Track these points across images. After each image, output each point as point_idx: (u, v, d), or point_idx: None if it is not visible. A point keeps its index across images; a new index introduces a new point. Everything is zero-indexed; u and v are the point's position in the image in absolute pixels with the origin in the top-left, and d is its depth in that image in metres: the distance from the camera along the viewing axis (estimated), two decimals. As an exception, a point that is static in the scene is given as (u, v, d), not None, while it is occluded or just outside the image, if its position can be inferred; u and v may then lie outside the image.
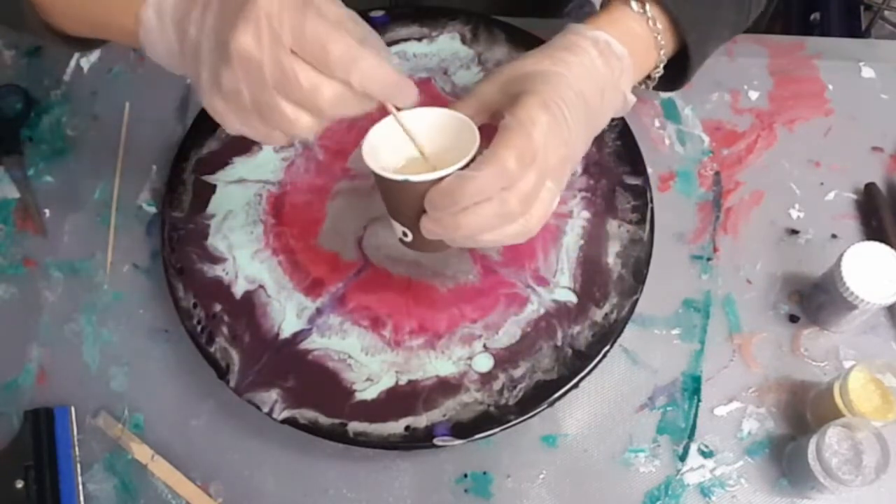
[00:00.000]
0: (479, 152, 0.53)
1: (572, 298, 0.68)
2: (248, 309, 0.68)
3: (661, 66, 0.64)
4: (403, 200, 0.56)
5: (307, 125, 0.50)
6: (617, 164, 0.73)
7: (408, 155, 0.58)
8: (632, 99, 0.62)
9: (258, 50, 0.47)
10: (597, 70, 0.59)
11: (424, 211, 0.55)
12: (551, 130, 0.54)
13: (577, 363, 0.66)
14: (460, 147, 0.55)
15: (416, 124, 0.57)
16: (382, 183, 0.56)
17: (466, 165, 0.53)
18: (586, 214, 0.71)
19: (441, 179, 0.53)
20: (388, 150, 0.57)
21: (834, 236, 0.73)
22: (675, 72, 0.66)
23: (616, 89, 0.60)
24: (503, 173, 0.52)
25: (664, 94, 0.79)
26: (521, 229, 0.55)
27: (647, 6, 0.62)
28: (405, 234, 0.59)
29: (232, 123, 0.52)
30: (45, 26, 0.58)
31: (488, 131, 0.55)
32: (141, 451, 0.67)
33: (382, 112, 0.54)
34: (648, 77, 0.65)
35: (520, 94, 0.55)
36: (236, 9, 0.48)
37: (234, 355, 0.67)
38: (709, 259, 0.73)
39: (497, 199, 0.53)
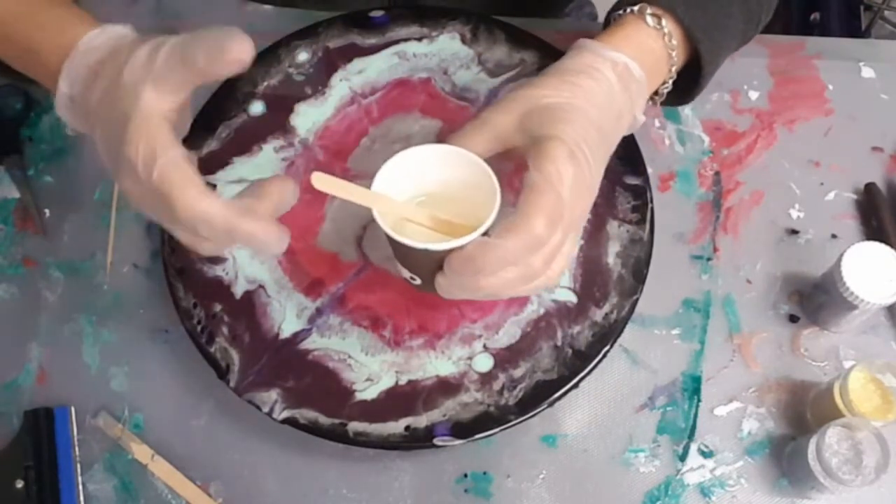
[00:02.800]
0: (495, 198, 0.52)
1: (572, 298, 0.68)
2: (248, 309, 0.68)
3: (671, 81, 0.62)
4: (419, 259, 0.54)
5: (206, 251, 0.54)
6: (617, 164, 0.73)
7: (420, 190, 0.56)
8: (641, 119, 0.60)
9: (141, 205, 0.52)
10: (615, 96, 0.56)
11: (439, 267, 0.53)
12: (577, 183, 0.51)
13: (577, 363, 0.66)
14: (473, 187, 0.53)
15: (426, 164, 0.55)
16: (396, 244, 0.54)
17: (489, 228, 0.51)
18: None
19: (462, 247, 0.51)
20: (399, 185, 0.55)
21: (834, 236, 0.73)
22: (682, 86, 0.64)
23: (630, 112, 0.58)
24: (532, 240, 0.50)
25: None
26: (542, 284, 0.53)
27: (664, 21, 0.59)
28: (413, 279, 0.58)
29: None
30: None
31: (497, 160, 0.54)
32: (141, 451, 0.67)
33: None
34: (656, 93, 0.63)
35: (542, 137, 0.52)
36: (117, 145, 0.51)
37: (234, 355, 0.67)
38: (709, 259, 0.73)
39: (522, 263, 0.51)
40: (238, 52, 0.48)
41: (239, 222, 0.50)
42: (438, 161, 0.55)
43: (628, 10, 0.60)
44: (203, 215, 0.49)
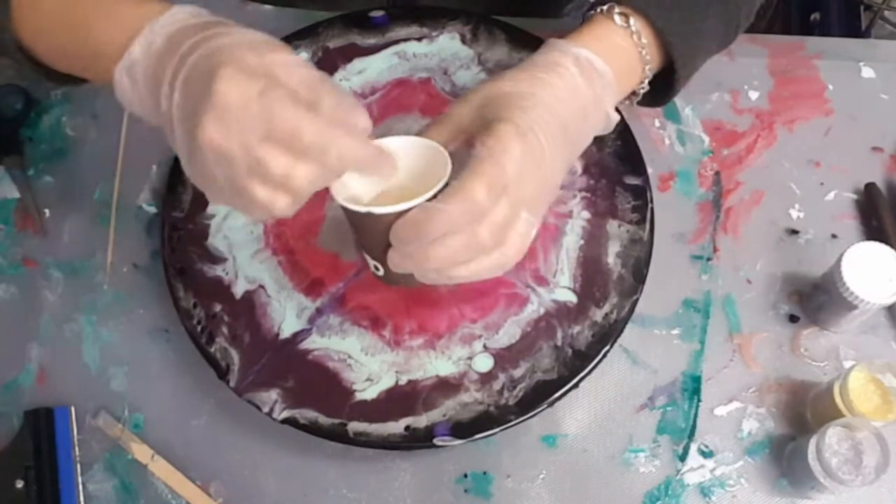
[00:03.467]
0: (449, 182, 0.52)
1: (572, 298, 0.68)
2: (248, 309, 0.68)
3: (647, 81, 0.62)
4: (371, 233, 0.55)
5: (283, 207, 0.50)
6: (617, 164, 0.73)
7: (385, 186, 0.56)
8: (615, 117, 0.60)
9: (226, 140, 0.47)
10: (578, 89, 0.57)
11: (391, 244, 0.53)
12: (526, 160, 0.52)
13: (577, 363, 0.66)
14: (433, 176, 0.54)
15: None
16: (349, 215, 0.55)
17: (434, 196, 0.51)
18: (586, 214, 0.71)
19: (407, 211, 0.51)
20: (363, 181, 0.56)
21: (834, 236, 0.73)
22: (661, 87, 0.64)
23: (599, 108, 0.59)
24: (471, 205, 0.50)
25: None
26: (496, 262, 0.53)
27: (632, 19, 0.60)
28: (377, 268, 0.58)
29: (212, 199, 0.52)
30: (28, 58, 0.58)
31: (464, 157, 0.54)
32: (141, 451, 0.67)
33: None
34: (633, 93, 0.63)
35: (493, 120, 0.53)
36: (201, 94, 0.47)
37: (234, 355, 0.67)
38: (709, 259, 0.73)
39: (467, 231, 0.51)
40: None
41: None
42: (400, 152, 0.55)
43: (598, 9, 0.61)
44: (333, 136, 0.49)
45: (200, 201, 0.72)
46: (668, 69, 0.63)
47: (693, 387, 0.68)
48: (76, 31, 0.56)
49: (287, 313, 0.68)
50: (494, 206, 0.51)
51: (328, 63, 0.77)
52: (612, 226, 0.71)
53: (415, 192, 0.52)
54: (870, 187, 0.74)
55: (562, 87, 0.56)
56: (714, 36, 0.65)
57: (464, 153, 0.55)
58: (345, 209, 0.54)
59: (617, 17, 0.60)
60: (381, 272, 0.58)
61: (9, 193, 0.76)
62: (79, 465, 0.67)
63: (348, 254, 0.70)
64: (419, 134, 0.58)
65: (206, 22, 0.53)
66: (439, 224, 0.50)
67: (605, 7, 0.61)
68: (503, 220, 0.52)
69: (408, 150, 0.57)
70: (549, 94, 0.55)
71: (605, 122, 0.60)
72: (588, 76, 0.57)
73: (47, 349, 0.71)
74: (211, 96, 0.47)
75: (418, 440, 0.64)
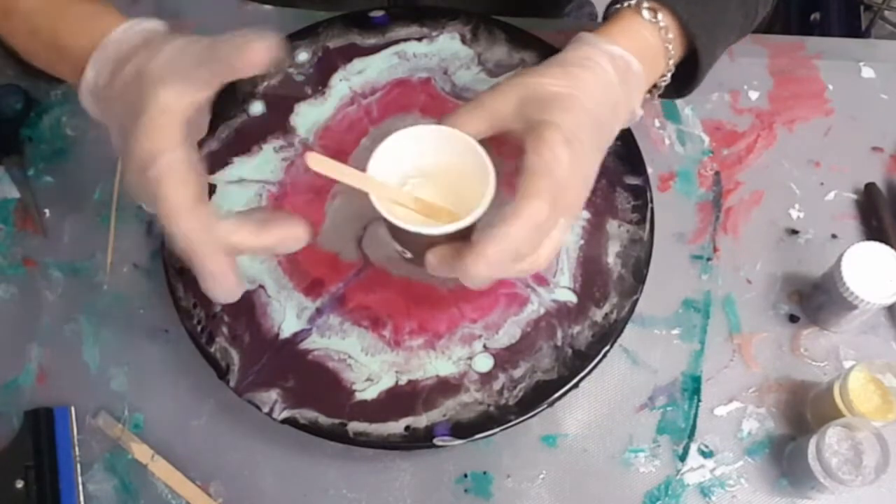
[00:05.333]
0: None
1: (572, 298, 0.68)
2: (248, 309, 0.68)
3: (669, 74, 0.63)
4: (412, 239, 0.55)
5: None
6: (617, 164, 0.73)
7: (415, 170, 0.56)
8: (639, 113, 0.60)
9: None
10: (611, 87, 0.57)
11: (430, 246, 0.53)
12: (573, 168, 0.52)
13: (577, 363, 0.66)
14: (465, 169, 0.54)
15: (421, 144, 0.55)
16: (390, 222, 0.54)
17: (479, 214, 0.51)
18: (586, 214, 0.71)
19: (457, 231, 0.51)
20: (394, 165, 0.55)
21: (834, 236, 0.73)
22: (679, 79, 0.64)
23: (628, 105, 0.59)
24: (537, 226, 0.50)
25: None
26: (527, 267, 0.53)
27: (660, 14, 0.60)
28: (404, 253, 0.58)
29: None
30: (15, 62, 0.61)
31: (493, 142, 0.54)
32: (141, 451, 0.67)
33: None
34: (654, 86, 0.64)
35: (539, 123, 0.53)
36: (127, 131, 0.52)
37: (234, 355, 0.67)
38: (709, 259, 0.73)
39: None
40: (259, 50, 0.49)
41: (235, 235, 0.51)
42: (434, 142, 0.55)
43: (625, 4, 0.61)
44: (178, 228, 0.50)
45: (200, 201, 0.72)
46: (687, 60, 0.63)
47: (693, 387, 0.68)
48: (39, 38, 0.59)
49: (287, 313, 0.68)
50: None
51: (328, 63, 0.77)
52: (612, 226, 0.71)
53: (449, 185, 0.53)
54: (870, 187, 0.74)
55: (596, 84, 0.56)
56: (734, 26, 0.65)
57: (505, 164, 0.55)
58: (387, 220, 0.54)
59: (645, 12, 0.60)
60: (408, 255, 0.58)
61: (9, 193, 0.76)
62: (79, 465, 0.67)
63: (348, 254, 0.70)
64: (445, 119, 0.58)
65: (144, 41, 0.55)
66: (506, 251, 0.50)
67: (632, 1, 0.61)
68: (547, 231, 0.52)
69: (447, 142, 0.56)
70: (586, 94, 0.55)
71: (631, 117, 0.60)
72: (622, 74, 0.57)
73: (47, 349, 0.71)
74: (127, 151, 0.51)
75: (418, 440, 0.64)
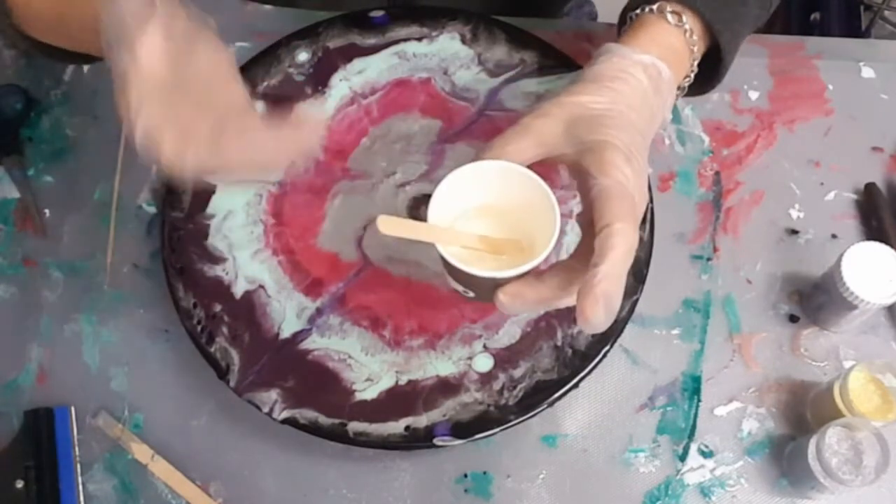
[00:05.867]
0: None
1: (572, 298, 0.68)
2: (248, 309, 0.68)
3: (693, 74, 0.62)
4: (480, 282, 0.53)
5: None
6: (617, 164, 0.73)
7: (472, 205, 0.55)
8: (668, 117, 0.60)
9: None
10: (649, 98, 0.57)
11: (498, 286, 0.52)
12: (636, 185, 0.52)
13: (577, 363, 0.66)
14: (523, 202, 0.53)
15: (478, 179, 0.54)
16: (455, 268, 0.52)
17: (548, 252, 0.51)
18: (586, 214, 0.71)
19: (524, 273, 0.50)
20: (455, 201, 0.54)
21: (834, 236, 0.73)
22: (701, 77, 0.64)
23: (662, 111, 0.59)
24: (631, 253, 0.49)
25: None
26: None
27: (685, 17, 0.59)
28: (466, 292, 0.56)
29: None
30: (24, 36, 0.59)
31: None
32: (141, 451, 0.67)
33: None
34: (679, 87, 0.63)
35: (595, 144, 0.52)
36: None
37: (234, 355, 0.67)
38: (709, 259, 0.73)
39: None
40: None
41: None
42: (492, 176, 0.54)
43: (647, 9, 0.60)
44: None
45: (200, 201, 0.72)
46: (709, 57, 0.63)
47: (693, 387, 0.68)
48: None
49: (287, 313, 0.68)
50: None
51: (328, 63, 0.77)
52: (612, 226, 0.71)
53: (507, 215, 0.53)
54: (870, 187, 0.74)
55: (635, 97, 0.56)
56: (752, 19, 0.65)
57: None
58: (451, 266, 0.52)
59: (670, 17, 0.59)
60: (471, 295, 0.56)
61: (9, 193, 0.76)
62: (79, 465, 0.67)
63: (348, 254, 0.70)
64: (494, 145, 0.55)
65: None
66: (619, 284, 0.49)
67: (654, 6, 0.60)
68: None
69: (501, 174, 0.54)
70: (627, 107, 0.55)
71: (663, 123, 0.60)
72: (654, 83, 0.57)
73: (47, 349, 0.71)
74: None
75: (418, 440, 0.64)
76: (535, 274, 0.52)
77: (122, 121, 0.49)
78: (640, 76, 0.57)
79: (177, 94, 0.49)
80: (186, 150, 0.48)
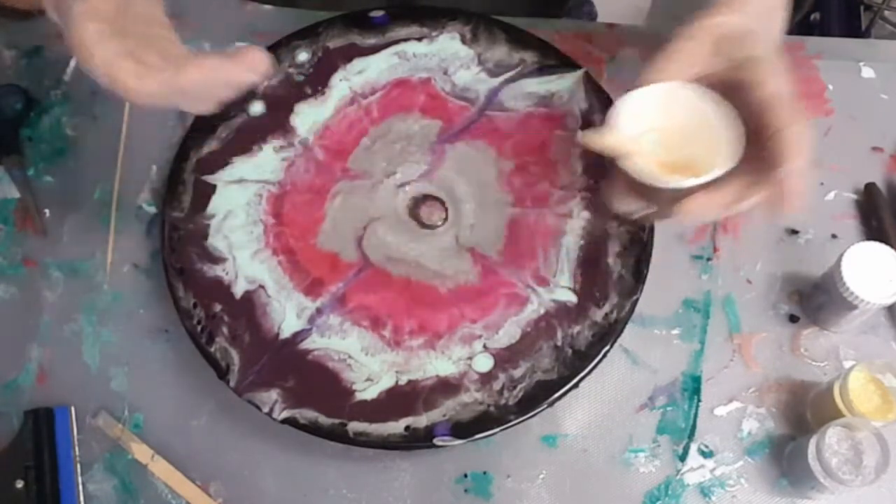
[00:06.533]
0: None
1: (572, 298, 0.68)
2: (248, 309, 0.68)
3: None
4: (663, 195, 0.56)
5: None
6: (617, 164, 0.73)
7: (647, 126, 0.56)
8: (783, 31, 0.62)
9: None
10: (774, 12, 0.61)
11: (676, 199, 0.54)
12: (790, 90, 0.56)
13: (577, 363, 0.66)
14: (699, 120, 0.56)
15: (662, 100, 0.56)
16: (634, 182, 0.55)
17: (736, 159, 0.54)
18: (586, 214, 0.71)
19: (707, 183, 0.53)
20: (631, 122, 0.56)
21: (834, 236, 0.73)
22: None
23: (780, 26, 0.62)
24: (811, 149, 0.53)
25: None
26: None
27: None
28: (645, 209, 0.58)
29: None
30: None
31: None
32: (141, 451, 0.67)
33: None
34: None
35: (748, 60, 0.56)
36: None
37: (234, 355, 0.67)
38: (709, 259, 0.73)
39: None
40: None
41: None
42: (665, 97, 0.56)
43: None
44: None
45: (200, 201, 0.72)
46: None
47: (693, 387, 0.68)
48: None
49: (287, 313, 0.68)
50: None
51: (328, 63, 0.77)
52: (612, 226, 0.71)
53: (674, 133, 0.55)
54: (870, 187, 0.74)
55: (764, 11, 0.59)
56: None
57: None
58: (635, 183, 0.55)
59: None
60: (649, 211, 0.58)
61: (9, 193, 0.76)
62: (79, 465, 0.67)
63: (348, 254, 0.70)
64: (648, 72, 0.57)
65: None
66: (805, 177, 0.53)
67: None
68: None
69: (682, 98, 0.57)
70: (764, 21, 0.59)
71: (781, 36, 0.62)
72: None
73: (47, 349, 0.71)
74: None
75: (418, 440, 0.64)
76: (713, 184, 0.54)
77: (77, 57, 0.53)
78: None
79: (126, 32, 0.53)
80: (147, 76, 0.52)
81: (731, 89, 0.57)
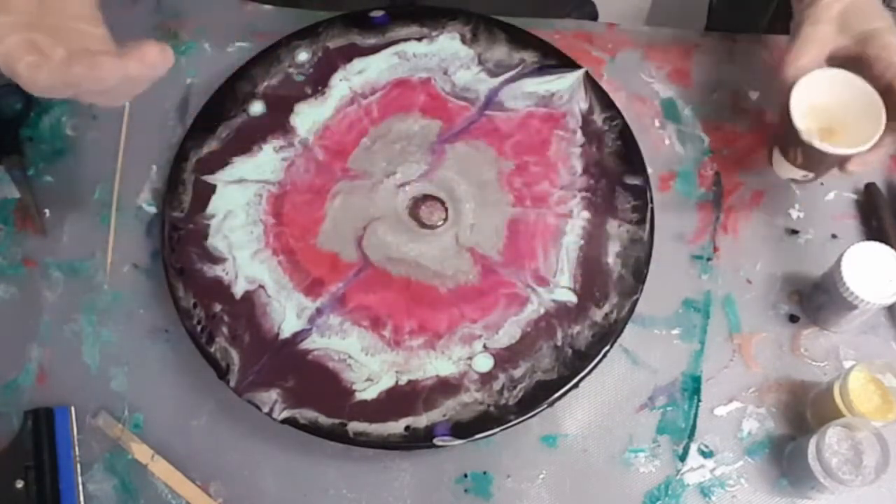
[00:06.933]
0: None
1: (572, 298, 0.68)
2: (248, 309, 0.68)
3: None
4: (828, 161, 0.65)
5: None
6: (617, 164, 0.73)
7: (808, 104, 0.64)
8: None
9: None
10: None
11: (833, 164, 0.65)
12: None
13: (577, 363, 0.66)
14: (844, 104, 0.64)
15: (818, 86, 0.64)
16: (815, 151, 0.64)
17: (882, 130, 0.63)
18: (586, 214, 0.71)
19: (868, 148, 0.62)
20: (803, 100, 0.64)
21: (834, 236, 0.73)
22: None
23: None
24: None
25: (664, 94, 0.79)
26: None
27: None
28: (805, 176, 0.68)
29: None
30: None
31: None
32: (141, 451, 0.67)
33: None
34: None
35: (872, 32, 0.63)
36: None
37: (234, 355, 0.67)
38: (709, 259, 0.73)
39: None
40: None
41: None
42: (828, 83, 0.65)
43: None
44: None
45: (200, 201, 0.72)
46: None
47: (693, 387, 0.68)
48: None
49: (287, 313, 0.68)
50: None
51: (328, 63, 0.77)
52: (612, 226, 0.71)
53: (832, 114, 0.65)
54: (870, 187, 0.74)
55: None
56: None
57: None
58: (810, 149, 0.64)
59: None
60: (810, 177, 0.68)
61: (9, 193, 0.76)
62: (79, 465, 0.67)
63: (348, 254, 0.70)
64: (789, 64, 0.65)
65: None
66: None
67: None
68: None
69: (835, 82, 0.65)
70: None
71: None
72: None
73: (47, 349, 0.71)
74: None
75: (418, 440, 0.64)
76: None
77: None
78: None
79: (39, 25, 0.56)
80: (40, 69, 0.54)
81: (858, 61, 0.64)
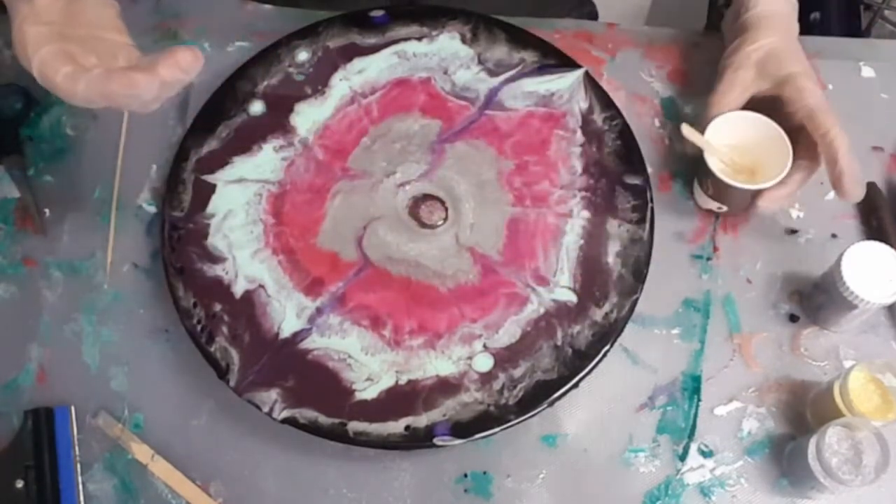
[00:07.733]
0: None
1: (572, 298, 0.68)
2: (248, 309, 0.68)
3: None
4: (737, 196, 0.69)
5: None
6: (617, 163, 0.73)
7: (721, 142, 0.69)
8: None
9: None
10: (794, 26, 0.72)
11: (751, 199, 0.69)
12: (822, 96, 0.68)
13: (577, 363, 0.66)
14: (763, 145, 0.68)
15: (726, 126, 0.69)
16: (722, 185, 0.68)
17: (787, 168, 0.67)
18: (586, 214, 0.71)
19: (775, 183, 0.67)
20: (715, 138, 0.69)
21: (834, 236, 0.73)
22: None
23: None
24: (850, 149, 0.65)
25: (664, 94, 0.79)
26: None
27: None
28: (720, 208, 0.72)
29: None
30: None
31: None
32: (141, 451, 0.67)
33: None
34: None
35: (788, 77, 0.68)
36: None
37: (234, 355, 0.67)
38: (709, 259, 0.73)
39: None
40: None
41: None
42: (739, 123, 0.69)
43: None
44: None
45: (200, 201, 0.72)
46: None
47: (693, 386, 0.68)
48: None
49: (287, 313, 0.68)
50: None
51: (328, 63, 0.77)
52: (612, 225, 0.71)
53: (755, 155, 0.69)
54: (870, 187, 0.74)
55: (790, 28, 0.71)
56: None
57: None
58: (721, 183, 0.68)
59: None
60: (724, 209, 0.72)
61: (9, 193, 0.76)
62: (79, 465, 0.67)
63: (348, 253, 0.70)
64: (718, 104, 0.70)
65: None
66: (856, 168, 0.65)
67: None
68: None
69: (742, 122, 0.70)
70: (791, 38, 0.71)
71: None
72: (793, 12, 0.72)
73: (47, 349, 0.71)
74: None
75: (418, 440, 0.64)
76: (778, 182, 0.67)
77: (20, 58, 0.58)
78: (788, 9, 0.71)
79: (71, 35, 0.58)
80: (78, 79, 0.55)
81: (774, 103, 0.68)
